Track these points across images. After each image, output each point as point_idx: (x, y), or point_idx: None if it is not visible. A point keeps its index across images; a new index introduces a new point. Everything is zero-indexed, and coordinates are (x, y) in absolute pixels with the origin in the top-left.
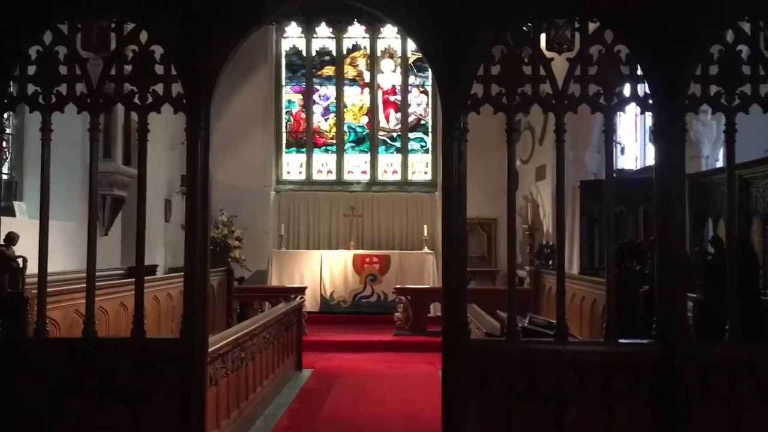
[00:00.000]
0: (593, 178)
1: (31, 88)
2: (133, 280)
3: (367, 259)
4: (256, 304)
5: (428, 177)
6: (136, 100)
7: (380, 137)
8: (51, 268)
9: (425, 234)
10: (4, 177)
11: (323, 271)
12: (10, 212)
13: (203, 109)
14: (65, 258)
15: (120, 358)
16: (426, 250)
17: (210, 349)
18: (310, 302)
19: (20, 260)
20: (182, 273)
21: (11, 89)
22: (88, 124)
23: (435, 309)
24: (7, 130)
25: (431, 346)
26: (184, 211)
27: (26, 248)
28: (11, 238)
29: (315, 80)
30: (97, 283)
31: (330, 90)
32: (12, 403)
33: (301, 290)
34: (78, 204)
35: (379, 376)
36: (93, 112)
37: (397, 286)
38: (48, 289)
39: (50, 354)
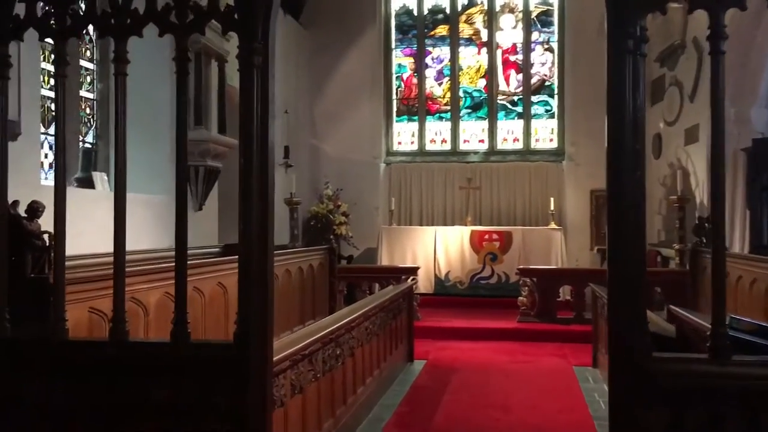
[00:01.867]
0: (761, 138)
1: (41, 10)
2: (234, 258)
3: (486, 236)
4: (365, 285)
5: (554, 145)
6: (172, 18)
7: (500, 102)
8: (137, 245)
9: (551, 208)
10: (84, 145)
11: (437, 249)
12: (89, 184)
13: (261, 25)
14: (154, 234)
15: (154, 372)
16: (553, 225)
17: (290, 351)
18: (423, 283)
19: (46, 237)
20: (302, 249)
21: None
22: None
23: (564, 293)
24: (90, 95)
25: (561, 335)
26: (286, 185)
27: (101, 223)
28: (34, 209)
29: (427, 41)
30: (190, 262)
31: (444, 52)
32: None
33: (413, 270)
34: (169, 176)
35: (501, 370)
36: (119, 34)
37: (521, 266)
38: (130, 268)
39: (64, 360)
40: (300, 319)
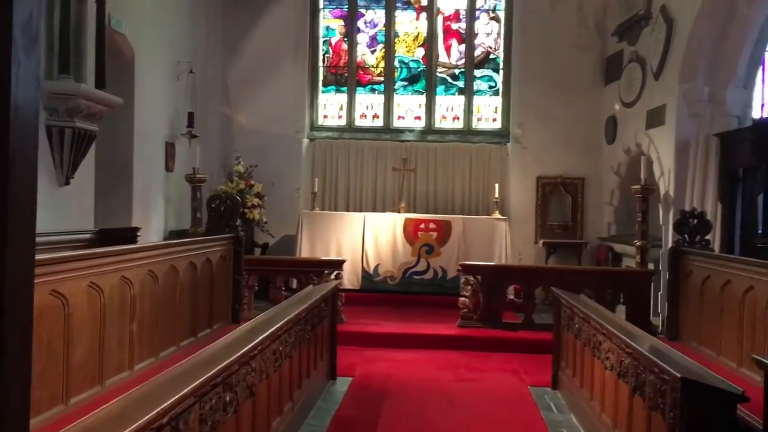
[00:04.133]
0: (736, 123)
1: None
2: (106, 250)
3: (422, 225)
4: (280, 280)
5: (497, 125)
6: None
7: (439, 75)
8: None
9: (496, 195)
10: None
11: (366, 238)
12: None
13: None
14: None
15: None
16: (497, 215)
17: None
18: (349, 278)
19: None
20: (195, 239)
21: None
22: None
23: (510, 293)
24: None
25: (509, 344)
26: (190, 159)
27: None
28: None
29: (360, 2)
30: (47, 255)
31: (378, 15)
32: None
33: (337, 264)
34: None
35: (444, 393)
36: None
37: (463, 263)
38: None
39: None
40: (191, 330)
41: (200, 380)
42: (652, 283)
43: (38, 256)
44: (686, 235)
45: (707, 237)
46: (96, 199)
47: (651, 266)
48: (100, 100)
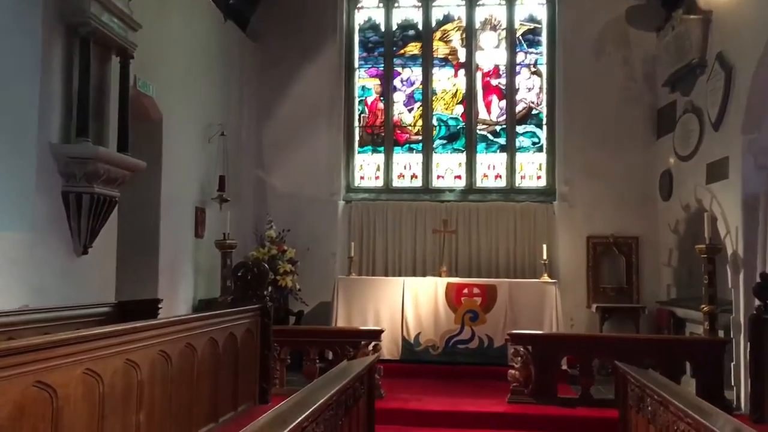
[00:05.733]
0: None
1: None
2: (106, 330)
3: (465, 290)
4: (314, 352)
5: (542, 183)
6: None
7: (479, 132)
8: None
9: (544, 257)
10: None
11: (406, 305)
12: None
13: None
14: (8, 290)
15: None
16: (546, 278)
17: None
18: (388, 347)
19: None
20: (216, 313)
21: None
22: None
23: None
24: None
25: (567, 424)
26: (221, 224)
27: None
28: None
29: (396, 61)
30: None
31: (415, 73)
32: None
33: (375, 334)
34: (34, 204)
35: None
36: None
37: (512, 332)
38: None
39: None
40: (211, 414)
41: None
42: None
43: (16, 343)
44: (767, 301)
45: None
46: (119, 269)
47: (721, 333)
48: (121, 164)
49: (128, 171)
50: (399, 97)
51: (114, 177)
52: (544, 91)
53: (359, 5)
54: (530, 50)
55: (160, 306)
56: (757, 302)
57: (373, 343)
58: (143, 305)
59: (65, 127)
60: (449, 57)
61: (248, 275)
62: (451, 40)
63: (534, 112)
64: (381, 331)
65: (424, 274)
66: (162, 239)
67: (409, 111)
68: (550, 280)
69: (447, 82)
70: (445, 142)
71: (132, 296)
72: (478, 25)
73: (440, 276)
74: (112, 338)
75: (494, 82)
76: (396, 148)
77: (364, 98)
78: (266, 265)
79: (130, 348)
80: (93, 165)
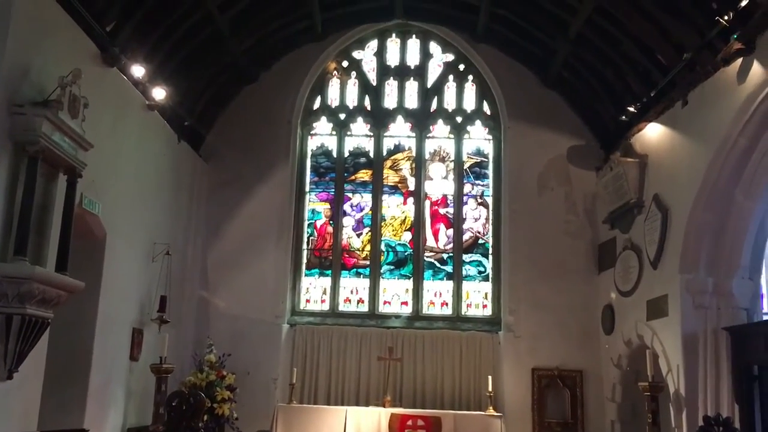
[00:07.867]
0: (745, 316)
1: None
2: None
3: (410, 422)
4: None
5: (488, 312)
6: None
7: (427, 259)
8: None
9: (489, 388)
10: None
11: None
12: None
13: None
14: None
15: None
16: (491, 411)
17: None
18: None
19: None
20: None
21: None
22: None
23: None
24: None
25: None
26: (158, 347)
27: None
28: None
29: (347, 186)
30: None
31: (365, 199)
32: None
33: None
34: None
35: None
36: None
37: None
38: None
39: None
40: None
41: None
42: None
43: None
44: None
45: None
46: (45, 392)
47: None
48: (58, 285)
49: (65, 291)
50: (348, 222)
51: (49, 298)
52: (491, 221)
53: (313, 132)
54: (477, 182)
55: None
56: None
57: None
58: None
59: (3, 245)
60: (399, 185)
61: (183, 405)
62: (401, 169)
63: (480, 241)
64: None
65: (367, 403)
66: (94, 361)
67: (358, 236)
68: (495, 414)
69: (396, 209)
70: (392, 267)
71: (57, 423)
72: (427, 156)
73: (384, 406)
74: None
75: (442, 210)
76: (343, 272)
77: (313, 221)
78: (203, 395)
79: None
80: (28, 285)
